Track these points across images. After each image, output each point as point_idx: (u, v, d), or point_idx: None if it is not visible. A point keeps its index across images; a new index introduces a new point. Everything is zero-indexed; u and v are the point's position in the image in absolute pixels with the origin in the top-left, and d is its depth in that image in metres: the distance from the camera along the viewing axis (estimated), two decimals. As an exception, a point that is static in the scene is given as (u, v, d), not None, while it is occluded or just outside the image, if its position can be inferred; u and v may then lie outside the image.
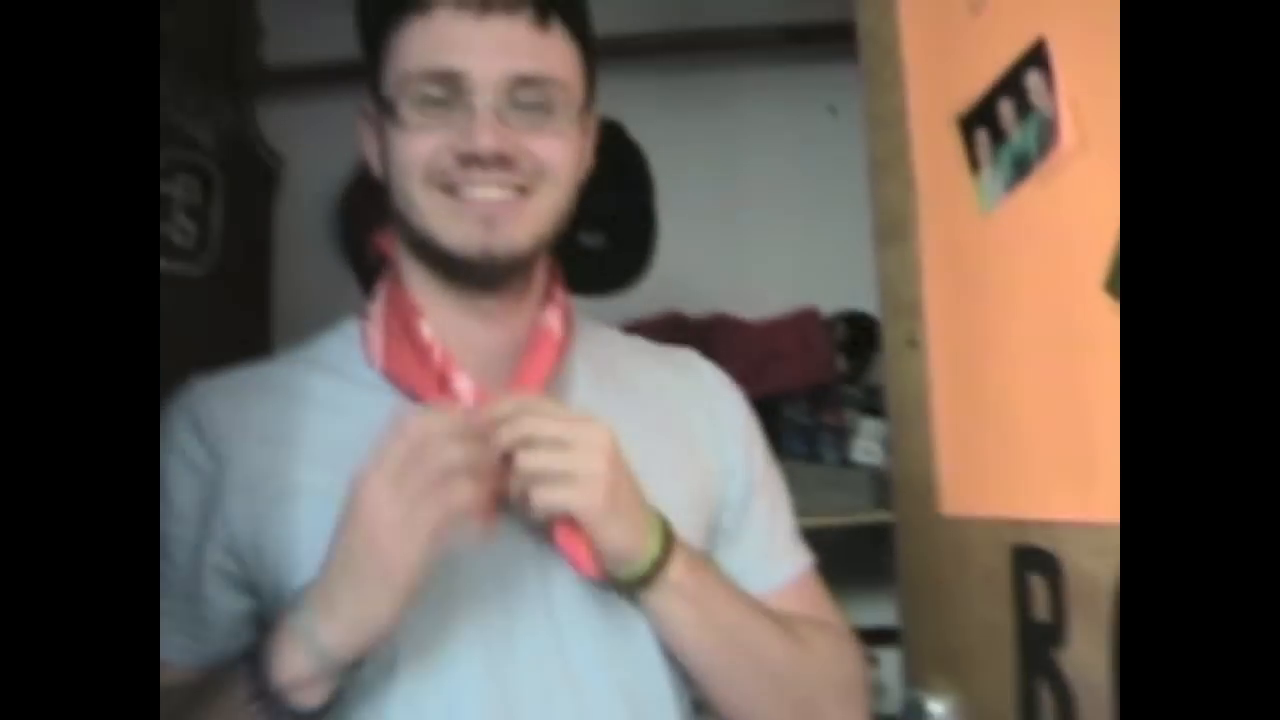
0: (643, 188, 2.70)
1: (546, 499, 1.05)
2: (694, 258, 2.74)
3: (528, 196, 1.13)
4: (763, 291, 2.73)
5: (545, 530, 1.10)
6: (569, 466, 1.05)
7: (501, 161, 1.11)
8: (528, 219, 1.14)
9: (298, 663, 0.98)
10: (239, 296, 2.50)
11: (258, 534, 1.10)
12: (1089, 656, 1.03)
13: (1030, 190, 1.08)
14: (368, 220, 2.74)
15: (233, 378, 1.20)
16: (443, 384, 1.13)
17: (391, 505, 0.96)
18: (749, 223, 2.82)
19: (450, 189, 1.11)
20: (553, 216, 1.17)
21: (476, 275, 1.16)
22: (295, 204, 2.74)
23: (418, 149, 1.12)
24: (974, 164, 1.16)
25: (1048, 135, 1.05)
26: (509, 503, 1.07)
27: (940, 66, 1.23)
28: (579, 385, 1.23)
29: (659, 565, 1.11)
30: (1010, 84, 1.10)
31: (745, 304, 2.70)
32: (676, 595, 1.13)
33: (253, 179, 2.63)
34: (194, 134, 2.39)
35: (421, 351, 1.15)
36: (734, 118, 2.81)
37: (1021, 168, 1.09)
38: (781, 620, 1.23)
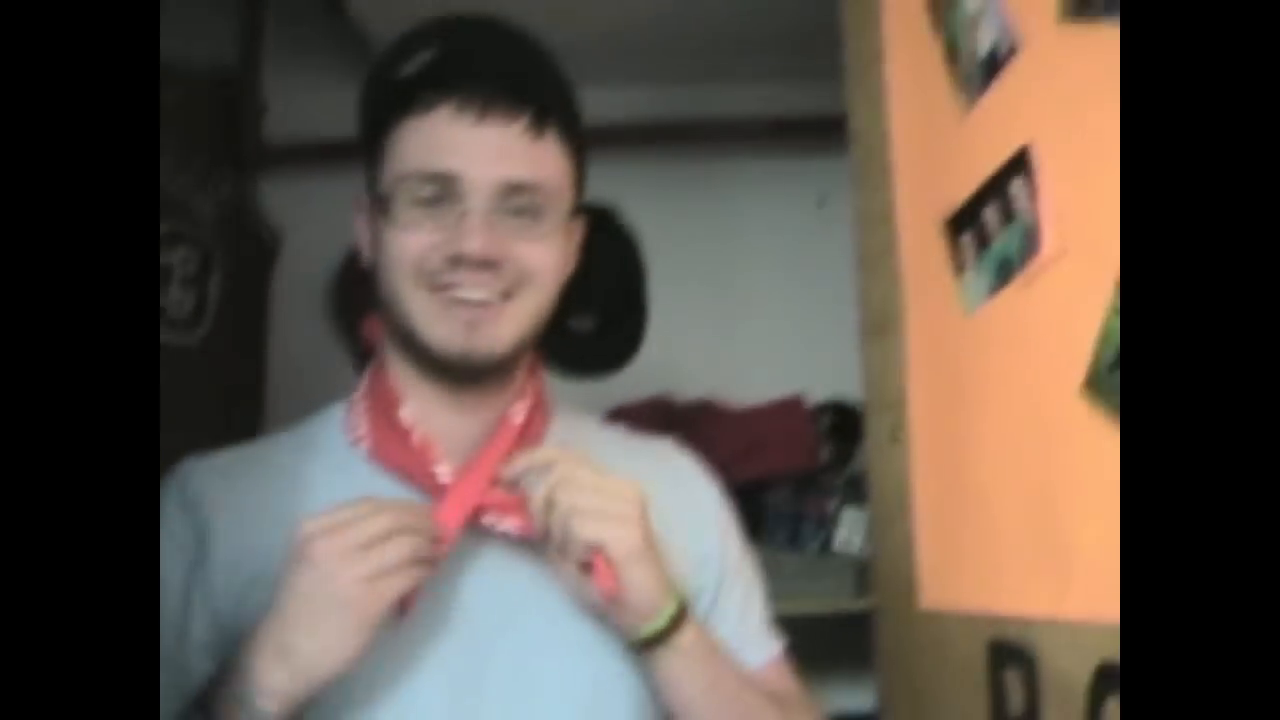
0: (634, 273, 2.71)
1: (588, 531, 1.07)
2: (683, 343, 2.75)
3: (510, 300, 1.16)
4: (750, 377, 2.73)
5: (579, 571, 1.11)
6: (608, 506, 1.08)
7: (488, 265, 1.13)
8: (509, 322, 1.16)
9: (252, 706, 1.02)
10: (233, 367, 2.50)
11: (239, 610, 1.11)
12: (1064, 753, 1.06)
13: (1012, 294, 1.11)
14: (363, 296, 2.76)
15: (222, 457, 1.23)
16: (423, 466, 1.16)
17: (357, 564, 1.01)
18: (738, 309, 2.84)
19: (437, 288, 1.14)
20: (534, 319, 1.19)
21: (455, 372, 1.19)
22: (292, 278, 2.75)
23: (409, 246, 1.14)
24: (958, 267, 1.19)
25: (1030, 241, 1.08)
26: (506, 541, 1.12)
27: (928, 170, 1.26)
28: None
29: (676, 624, 1.12)
30: (995, 190, 1.13)
31: (732, 389, 2.72)
32: (688, 657, 1.14)
33: (251, 252, 2.63)
34: (193, 207, 2.41)
35: (402, 435, 1.19)
36: (725, 205, 2.85)
37: (1004, 272, 1.12)
38: (773, 693, 1.24)
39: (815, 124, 2.27)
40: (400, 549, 1.02)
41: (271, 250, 2.69)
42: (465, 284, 1.12)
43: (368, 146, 1.21)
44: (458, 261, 1.11)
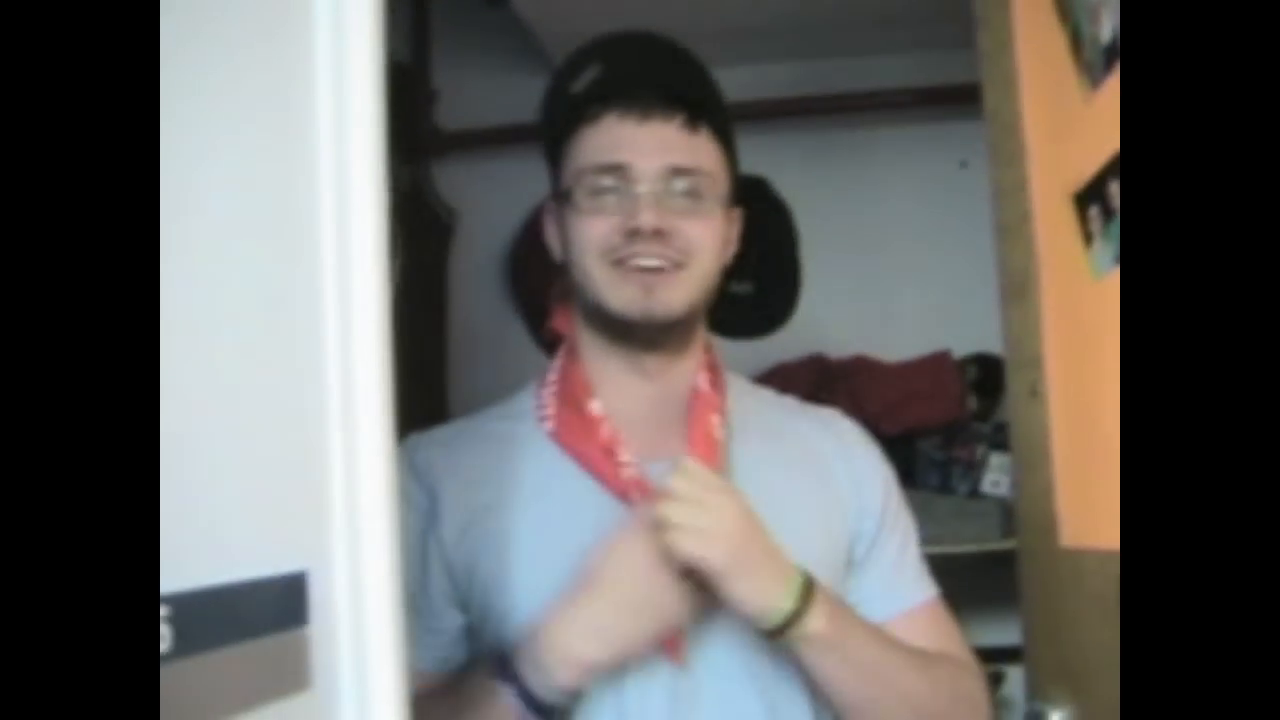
0: (787, 239, 2.79)
1: (678, 546, 1.17)
2: (835, 304, 2.81)
3: (680, 269, 1.31)
4: (897, 336, 2.80)
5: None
6: (700, 522, 1.17)
7: (659, 236, 1.28)
8: (679, 286, 1.31)
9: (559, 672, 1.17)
10: (419, 341, 2.67)
11: (470, 559, 1.29)
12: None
13: None
14: (537, 271, 2.91)
15: (441, 430, 1.42)
16: (609, 454, 1.30)
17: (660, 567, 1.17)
18: (885, 271, 2.90)
19: (619, 262, 1.30)
20: (702, 286, 1.34)
21: (639, 335, 1.34)
22: (468, 257, 2.90)
23: (593, 229, 1.31)
24: (1087, 236, 1.27)
25: (1150, 214, 1.17)
26: None
27: (1057, 146, 1.34)
28: (736, 438, 1.37)
29: (795, 618, 1.20)
30: (1118, 167, 1.22)
31: (882, 347, 2.77)
32: (817, 642, 1.22)
33: (429, 234, 2.79)
34: (379, 195, 2.55)
35: (590, 424, 1.32)
36: (871, 173, 2.90)
37: None
38: (916, 653, 1.32)
39: (954, 91, 2.31)
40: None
41: (448, 231, 2.82)
42: (641, 254, 1.28)
43: (549, 156, 1.38)
44: (634, 235, 1.27)
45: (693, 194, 1.32)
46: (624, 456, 1.29)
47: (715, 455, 1.31)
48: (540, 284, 2.89)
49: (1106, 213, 1.24)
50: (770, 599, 1.19)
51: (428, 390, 2.67)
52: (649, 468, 1.29)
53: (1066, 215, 1.30)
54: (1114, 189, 1.22)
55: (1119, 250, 1.21)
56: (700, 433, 1.32)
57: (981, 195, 1.48)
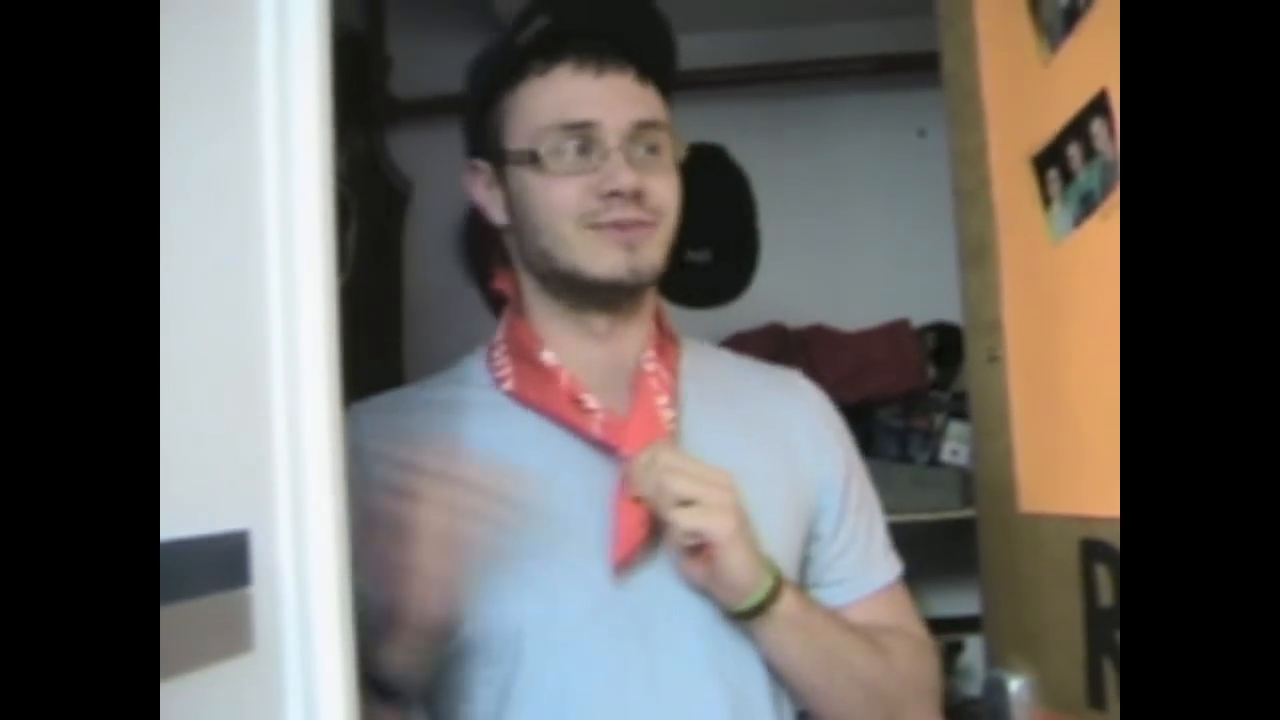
0: (745, 208, 2.78)
1: (687, 521, 1.17)
2: (793, 273, 2.82)
3: (653, 227, 1.27)
4: (857, 304, 2.80)
5: (679, 555, 1.22)
6: (707, 496, 1.18)
7: (637, 197, 1.25)
8: (657, 245, 1.28)
9: None
10: (374, 308, 2.65)
11: None
12: (1147, 637, 1.15)
13: (1094, 225, 1.18)
14: (490, 237, 2.90)
15: (383, 397, 1.36)
16: (574, 403, 1.27)
17: None
18: (844, 239, 2.90)
19: (597, 226, 1.25)
20: (669, 244, 1.31)
21: (603, 298, 1.30)
22: (423, 224, 2.89)
23: (566, 194, 1.25)
24: (1046, 200, 1.27)
25: (1109, 176, 1.17)
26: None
27: (1016, 111, 1.33)
28: (690, 406, 1.34)
29: (773, 597, 1.21)
30: (1077, 130, 1.20)
31: (841, 316, 2.78)
32: (785, 624, 1.23)
33: (384, 201, 2.78)
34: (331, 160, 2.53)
35: (548, 375, 1.29)
36: (830, 142, 2.90)
37: (1087, 204, 1.20)
38: (869, 636, 1.33)
39: (913, 59, 2.32)
40: None
41: (403, 199, 2.80)
42: (619, 217, 1.24)
43: (481, 112, 1.32)
44: (612, 196, 1.23)
45: (656, 148, 1.29)
46: (591, 403, 1.27)
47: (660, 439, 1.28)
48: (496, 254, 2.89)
49: (1065, 175, 1.24)
50: (756, 576, 1.20)
51: (383, 357, 2.66)
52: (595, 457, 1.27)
53: (1025, 179, 1.30)
54: (1073, 151, 1.22)
55: (1079, 213, 1.21)
56: (644, 416, 1.28)
57: (940, 164, 1.47)
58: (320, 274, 0.78)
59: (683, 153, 1.34)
